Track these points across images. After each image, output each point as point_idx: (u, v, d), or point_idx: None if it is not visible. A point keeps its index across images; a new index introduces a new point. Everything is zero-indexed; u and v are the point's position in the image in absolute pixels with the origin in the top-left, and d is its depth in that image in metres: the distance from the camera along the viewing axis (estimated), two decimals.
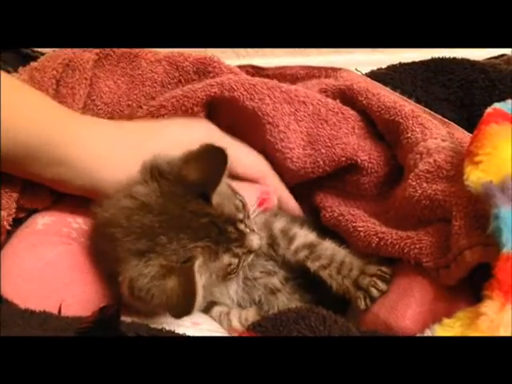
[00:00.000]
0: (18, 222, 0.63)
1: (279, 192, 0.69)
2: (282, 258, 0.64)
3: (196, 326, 0.57)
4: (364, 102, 0.67)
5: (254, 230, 0.58)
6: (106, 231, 0.55)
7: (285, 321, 0.49)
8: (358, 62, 0.85)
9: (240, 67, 0.75)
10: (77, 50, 0.68)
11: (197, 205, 0.54)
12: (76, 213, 0.64)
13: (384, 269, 0.59)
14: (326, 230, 0.67)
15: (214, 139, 0.60)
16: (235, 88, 0.65)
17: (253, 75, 0.75)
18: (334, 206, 0.68)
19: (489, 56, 0.84)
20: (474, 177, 0.50)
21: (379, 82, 0.73)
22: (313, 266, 0.61)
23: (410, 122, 0.64)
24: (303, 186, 0.71)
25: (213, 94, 0.66)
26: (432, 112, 0.68)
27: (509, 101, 0.57)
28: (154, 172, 0.56)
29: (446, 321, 0.47)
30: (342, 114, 0.68)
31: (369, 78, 0.74)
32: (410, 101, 0.69)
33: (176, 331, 0.52)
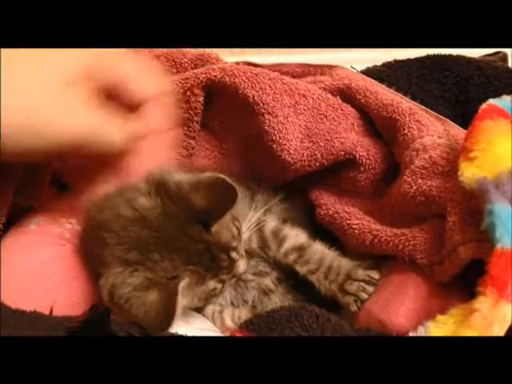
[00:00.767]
0: (10, 222, 0.63)
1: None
2: (274, 259, 0.64)
3: (188, 324, 0.57)
4: (362, 100, 0.67)
5: (242, 256, 0.58)
6: (98, 234, 0.55)
7: (277, 319, 0.49)
8: (354, 60, 0.85)
9: (236, 64, 0.75)
10: None
11: (196, 231, 0.54)
12: (69, 213, 0.64)
13: (372, 274, 0.59)
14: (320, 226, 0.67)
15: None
16: (237, 75, 0.65)
17: None
18: (329, 204, 0.68)
19: (484, 53, 0.84)
20: (469, 173, 0.50)
21: (374, 79, 0.73)
22: (301, 270, 0.61)
23: (407, 119, 0.63)
24: (299, 183, 0.71)
25: (213, 77, 0.66)
26: (428, 109, 0.68)
27: (504, 97, 0.57)
28: (160, 188, 0.55)
29: (439, 317, 0.47)
30: (342, 110, 0.67)
31: (365, 76, 0.74)
32: (406, 98, 0.69)
33: (168, 330, 0.51)
